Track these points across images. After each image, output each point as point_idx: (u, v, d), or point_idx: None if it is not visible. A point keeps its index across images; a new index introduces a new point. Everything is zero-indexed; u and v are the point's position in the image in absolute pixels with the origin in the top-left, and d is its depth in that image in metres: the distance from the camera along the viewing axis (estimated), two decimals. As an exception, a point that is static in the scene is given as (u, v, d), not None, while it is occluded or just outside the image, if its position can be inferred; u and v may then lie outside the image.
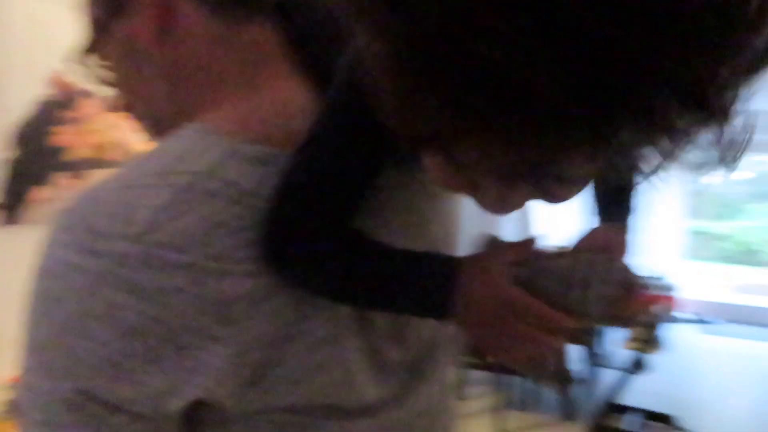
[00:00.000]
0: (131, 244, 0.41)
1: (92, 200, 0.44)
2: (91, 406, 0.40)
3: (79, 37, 0.59)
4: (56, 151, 1.98)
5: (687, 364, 5.14)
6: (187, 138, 0.48)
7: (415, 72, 0.28)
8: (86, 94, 2.03)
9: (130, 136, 2.22)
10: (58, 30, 1.93)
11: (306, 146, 0.46)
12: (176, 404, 0.41)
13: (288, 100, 0.53)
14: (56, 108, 1.97)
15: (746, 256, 12.69)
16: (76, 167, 2.03)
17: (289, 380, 0.45)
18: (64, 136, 2.00)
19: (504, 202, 0.37)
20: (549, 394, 4.19)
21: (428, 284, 0.45)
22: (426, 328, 0.58)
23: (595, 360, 4.31)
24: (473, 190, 0.38)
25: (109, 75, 0.59)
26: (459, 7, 0.26)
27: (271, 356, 0.44)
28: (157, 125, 0.59)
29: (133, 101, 0.59)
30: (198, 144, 0.47)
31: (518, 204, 0.37)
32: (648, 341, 3.52)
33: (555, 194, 0.37)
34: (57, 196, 1.97)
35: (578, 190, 0.38)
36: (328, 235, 0.46)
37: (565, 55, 0.25)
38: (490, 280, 0.45)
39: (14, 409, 0.43)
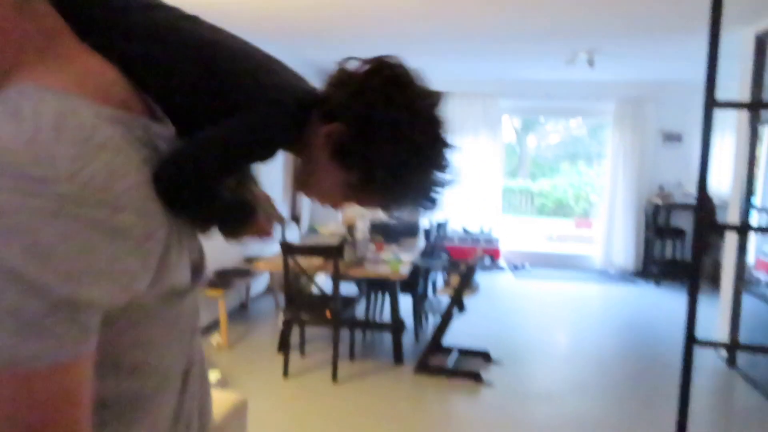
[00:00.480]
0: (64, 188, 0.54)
1: (10, 152, 0.53)
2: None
3: None
4: None
5: (503, 306, 5.76)
6: (52, 99, 0.58)
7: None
8: None
9: None
10: None
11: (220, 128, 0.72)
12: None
13: (103, 71, 0.66)
14: None
15: (559, 210, 14.34)
16: None
17: (167, 278, 0.64)
18: None
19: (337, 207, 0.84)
20: (380, 343, 4.48)
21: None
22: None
23: (420, 307, 4.68)
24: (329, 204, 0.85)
25: None
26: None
27: (162, 263, 0.63)
28: None
29: None
30: (69, 104, 0.59)
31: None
32: (465, 286, 3.90)
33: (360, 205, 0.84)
34: None
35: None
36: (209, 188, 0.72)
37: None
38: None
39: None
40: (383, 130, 0.74)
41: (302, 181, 0.83)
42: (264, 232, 0.87)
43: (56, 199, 0.53)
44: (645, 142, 7.12)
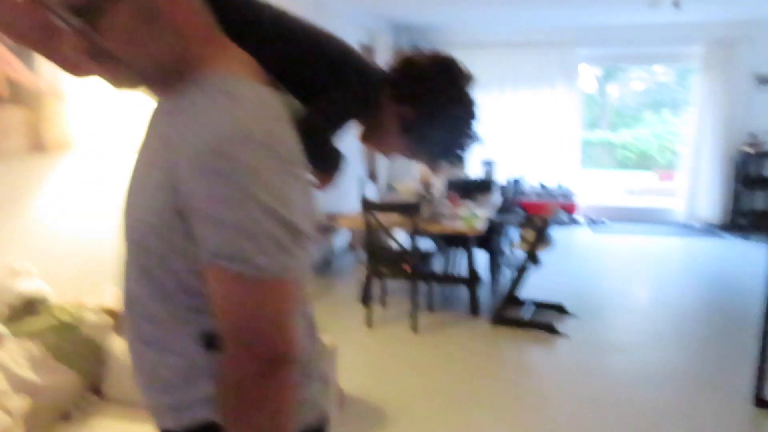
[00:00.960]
0: (287, 154, 0.76)
1: (246, 126, 0.73)
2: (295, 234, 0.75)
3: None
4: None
5: (579, 261, 5.73)
6: (246, 85, 0.78)
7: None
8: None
9: (17, 71, 2.23)
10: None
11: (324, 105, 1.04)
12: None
13: (249, 57, 0.85)
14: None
15: (642, 162, 13.75)
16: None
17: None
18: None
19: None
20: (457, 296, 4.62)
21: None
22: None
23: (495, 262, 4.76)
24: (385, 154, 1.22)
25: (111, 33, 0.73)
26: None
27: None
28: (151, 77, 0.80)
29: (133, 58, 0.76)
30: (257, 89, 0.79)
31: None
32: (539, 241, 3.94)
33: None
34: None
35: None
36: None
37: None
38: None
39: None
40: (443, 120, 1.06)
41: (368, 138, 1.15)
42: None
43: (280, 160, 0.74)
44: (736, 86, 6.70)
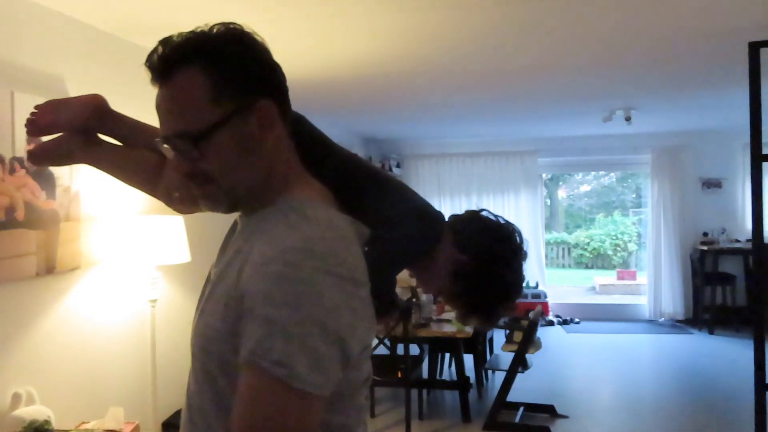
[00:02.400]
0: (347, 274, 0.78)
1: (316, 245, 0.78)
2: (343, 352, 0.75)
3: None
4: (-33, 214, 1.98)
5: (558, 360, 5.78)
6: (319, 208, 0.85)
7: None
8: (-7, 157, 2.06)
9: (36, 195, 2.26)
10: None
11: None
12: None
13: (321, 186, 0.93)
14: (-36, 172, 1.98)
15: (597, 261, 14.27)
16: (-14, 229, 2.04)
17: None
18: (-27, 200, 2.01)
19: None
20: (443, 401, 4.55)
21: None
22: None
23: (482, 365, 4.76)
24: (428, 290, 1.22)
25: (211, 158, 0.81)
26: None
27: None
28: (241, 198, 0.87)
29: (228, 179, 0.83)
30: (329, 212, 0.86)
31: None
32: (528, 343, 4.00)
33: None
34: (-31, 259, 1.97)
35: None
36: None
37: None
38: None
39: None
40: (495, 281, 1.10)
41: (416, 269, 1.15)
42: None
43: (340, 278, 0.77)
44: (685, 190, 7.23)
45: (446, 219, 1.13)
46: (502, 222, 1.14)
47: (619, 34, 3.04)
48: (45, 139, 1.21)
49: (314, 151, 1.00)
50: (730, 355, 5.79)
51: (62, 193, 2.38)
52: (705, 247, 6.82)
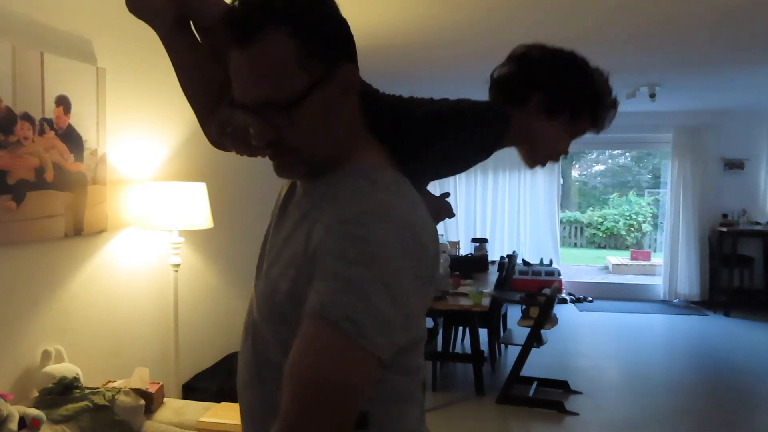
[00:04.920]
0: (415, 238, 0.77)
1: (393, 209, 0.78)
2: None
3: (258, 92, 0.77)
4: (-2, 174, 1.99)
5: (571, 337, 5.79)
6: (386, 173, 0.85)
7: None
8: (23, 118, 2.06)
9: (65, 158, 2.27)
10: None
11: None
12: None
13: (382, 147, 0.91)
14: (-6, 132, 1.98)
15: (610, 241, 14.20)
16: (16, 189, 2.05)
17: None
18: (3, 160, 2.02)
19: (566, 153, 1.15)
20: (456, 374, 4.59)
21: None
22: None
23: (498, 339, 4.79)
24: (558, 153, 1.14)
25: (297, 126, 0.78)
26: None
27: None
28: (317, 165, 0.85)
29: (311, 147, 0.82)
30: (395, 177, 0.85)
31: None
32: (545, 317, 4.00)
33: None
34: (0, 219, 1.99)
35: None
36: None
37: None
38: None
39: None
40: (571, 69, 1.07)
41: (532, 156, 1.11)
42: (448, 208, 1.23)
43: (413, 246, 0.76)
44: (705, 170, 7.13)
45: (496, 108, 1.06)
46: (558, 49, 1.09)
47: (651, 6, 2.97)
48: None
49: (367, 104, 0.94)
50: (746, 337, 5.77)
51: (89, 156, 2.39)
52: (724, 229, 6.75)
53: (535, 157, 1.11)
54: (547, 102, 1.04)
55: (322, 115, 0.79)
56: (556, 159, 1.11)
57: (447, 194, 1.28)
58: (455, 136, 0.97)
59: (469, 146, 1.00)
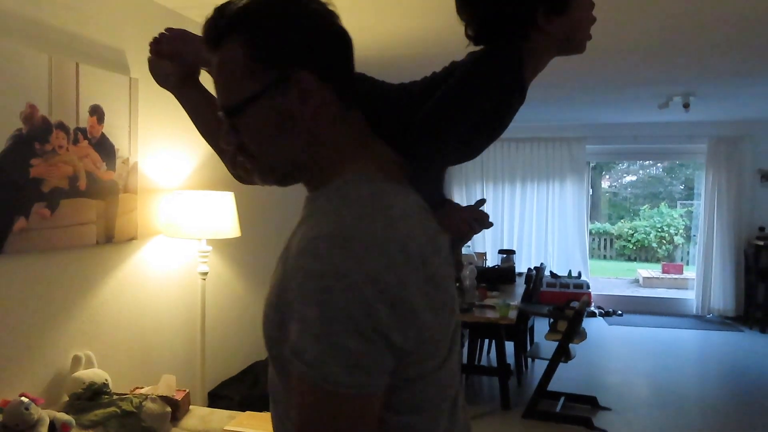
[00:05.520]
0: (385, 259, 0.69)
1: (352, 230, 0.70)
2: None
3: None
4: (33, 182, 2.04)
5: (600, 352, 5.67)
6: (366, 184, 0.78)
7: None
8: (58, 127, 2.11)
9: (98, 166, 2.31)
10: (28, 65, 2.01)
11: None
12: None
13: (385, 151, 0.86)
14: (30, 141, 2.03)
15: (640, 253, 13.92)
16: (50, 197, 2.10)
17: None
18: (38, 168, 2.06)
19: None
20: (482, 387, 4.53)
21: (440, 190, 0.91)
22: None
23: (524, 352, 4.71)
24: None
25: (248, 133, 0.79)
26: None
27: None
28: (288, 174, 0.83)
29: (267, 155, 0.80)
30: (376, 186, 0.78)
31: None
32: (573, 332, 3.93)
33: None
34: (33, 226, 2.03)
35: None
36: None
37: None
38: None
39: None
40: None
41: (571, 48, 1.02)
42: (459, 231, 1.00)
43: (377, 266, 0.68)
44: (741, 182, 6.94)
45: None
46: None
47: (685, 14, 2.91)
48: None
49: (372, 108, 0.89)
50: (783, 354, 5.59)
51: (121, 165, 2.43)
52: (761, 242, 6.56)
53: (575, 47, 1.01)
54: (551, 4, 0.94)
55: (272, 123, 0.78)
56: (588, 36, 1.02)
57: (482, 201, 1.14)
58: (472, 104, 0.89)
59: (486, 102, 0.91)
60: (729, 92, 5.12)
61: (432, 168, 0.87)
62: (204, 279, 2.77)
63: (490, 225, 1.05)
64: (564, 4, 0.94)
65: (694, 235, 8.02)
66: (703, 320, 7.04)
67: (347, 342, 0.65)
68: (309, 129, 0.79)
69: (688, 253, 12.13)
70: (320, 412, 0.67)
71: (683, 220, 13.47)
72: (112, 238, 2.39)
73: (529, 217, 7.57)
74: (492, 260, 6.79)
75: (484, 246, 7.42)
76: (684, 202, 14.23)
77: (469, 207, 1.00)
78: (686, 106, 5.14)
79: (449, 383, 0.80)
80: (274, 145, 0.80)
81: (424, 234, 0.75)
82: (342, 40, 0.81)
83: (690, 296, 7.53)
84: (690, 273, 9.14)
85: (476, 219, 0.98)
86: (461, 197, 7.51)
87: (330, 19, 0.79)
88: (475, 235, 0.97)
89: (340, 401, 0.66)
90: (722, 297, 7.05)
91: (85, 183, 2.26)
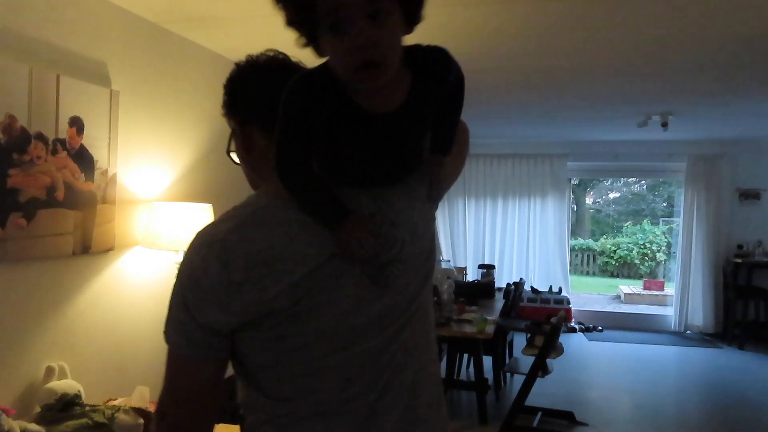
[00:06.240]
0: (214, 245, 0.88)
1: (205, 230, 0.92)
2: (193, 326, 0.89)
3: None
4: (10, 192, 2.04)
5: (579, 367, 5.72)
6: (249, 199, 0.96)
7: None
8: (36, 138, 2.12)
9: (76, 177, 2.32)
10: (8, 76, 2.03)
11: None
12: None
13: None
14: (9, 151, 2.04)
15: (623, 270, 14.04)
16: (27, 207, 2.10)
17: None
18: (16, 178, 2.07)
19: None
20: (459, 402, 4.54)
21: (328, 213, 0.89)
22: None
23: (503, 367, 4.74)
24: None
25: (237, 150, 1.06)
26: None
27: None
28: (255, 187, 1.06)
29: (246, 171, 1.08)
30: (259, 198, 0.95)
31: None
32: (550, 348, 3.96)
33: None
34: (9, 235, 2.03)
35: None
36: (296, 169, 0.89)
37: None
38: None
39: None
40: None
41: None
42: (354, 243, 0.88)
43: (204, 250, 0.89)
44: (720, 200, 7.06)
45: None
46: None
47: (664, 35, 2.99)
48: None
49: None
50: (761, 371, 5.67)
51: (100, 176, 2.44)
52: (739, 260, 6.67)
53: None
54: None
55: (240, 149, 1.05)
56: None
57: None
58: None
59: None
60: (706, 112, 5.24)
61: (299, 195, 0.89)
62: (181, 290, 2.77)
63: (382, 246, 0.91)
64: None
65: (674, 252, 8.13)
66: (683, 337, 7.12)
67: (176, 311, 0.89)
68: (250, 161, 1.05)
69: (670, 269, 12.27)
70: (168, 368, 0.92)
71: (665, 237, 13.63)
72: (89, 249, 2.40)
73: (511, 232, 7.64)
74: (472, 275, 6.84)
75: (465, 260, 7.47)
76: (666, 219, 14.42)
77: (371, 225, 0.89)
78: (665, 124, 5.25)
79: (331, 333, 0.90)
80: (244, 165, 1.08)
81: (264, 241, 0.86)
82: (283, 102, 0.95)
83: (670, 313, 7.62)
84: (671, 290, 9.24)
85: (375, 236, 0.88)
86: (443, 212, 7.55)
87: (283, 77, 0.87)
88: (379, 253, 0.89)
89: (176, 359, 0.90)
90: (701, 314, 7.14)
91: (63, 193, 2.27)
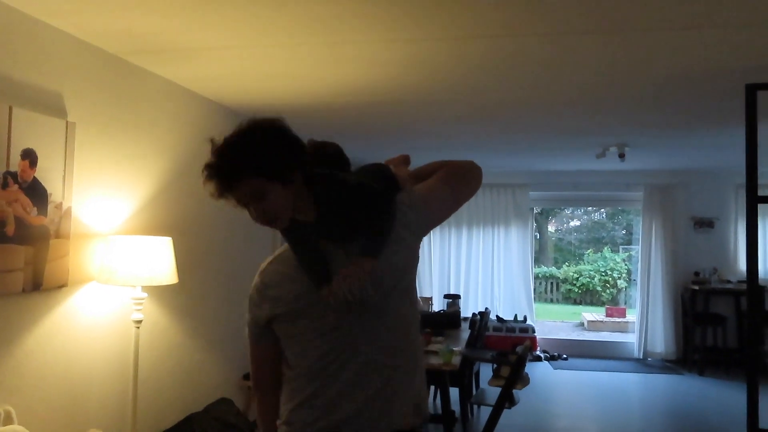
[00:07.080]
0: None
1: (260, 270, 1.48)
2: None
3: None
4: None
5: (544, 396, 5.72)
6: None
7: None
8: (-14, 170, 2.04)
9: (28, 211, 2.24)
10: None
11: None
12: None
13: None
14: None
15: (586, 297, 14.26)
16: (-26, 243, 2.01)
17: None
18: (-38, 213, 1.98)
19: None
20: (432, 436, 4.47)
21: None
22: None
23: (470, 398, 4.70)
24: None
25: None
26: None
27: None
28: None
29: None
30: (282, 252, 1.50)
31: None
32: (516, 377, 3.95)
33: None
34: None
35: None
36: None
37: None
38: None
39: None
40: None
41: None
42: (332, 294, 1.31)
43: (254, 287, 1.45)
44: (676, 228, 7.26)
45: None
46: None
47: (615, 71, 3.09)
48: None
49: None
50: (721, 397, 5.76)
51: (54, 210, 2.36)
52: (696, 287, 6.83)
53: None
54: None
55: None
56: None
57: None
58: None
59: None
60: (661, 143, 5.42)
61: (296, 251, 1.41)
62: (138, 327, 2.68)
63: (357, 295, 1.31)
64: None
65: (634, 280, 8.29)
66: (645, 363, 7.21)
67: (249, 313, 1.46)
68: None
69: (631, 296, 12.50)
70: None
71: (626, 264, 13.92)
72: (40, 286, 2.30)
73: (475, 261, 7.68)
74: (438, 305, 6.82)
75: (431, 290, 7.46)
76: (626, 246, 14.76)
77: (347, 276, 1.30)
78: (622, 155, 5.40)
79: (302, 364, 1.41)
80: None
81: (270, 276, 1.42)
82: (297, 143, 1.34)
83: (632, 339, 7.73)
84: (632, 317, 9.40)
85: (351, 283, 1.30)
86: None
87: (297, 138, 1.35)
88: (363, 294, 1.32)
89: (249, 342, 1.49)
90: (662, 340, 7.26)
91: (14, 228, 2.18)
